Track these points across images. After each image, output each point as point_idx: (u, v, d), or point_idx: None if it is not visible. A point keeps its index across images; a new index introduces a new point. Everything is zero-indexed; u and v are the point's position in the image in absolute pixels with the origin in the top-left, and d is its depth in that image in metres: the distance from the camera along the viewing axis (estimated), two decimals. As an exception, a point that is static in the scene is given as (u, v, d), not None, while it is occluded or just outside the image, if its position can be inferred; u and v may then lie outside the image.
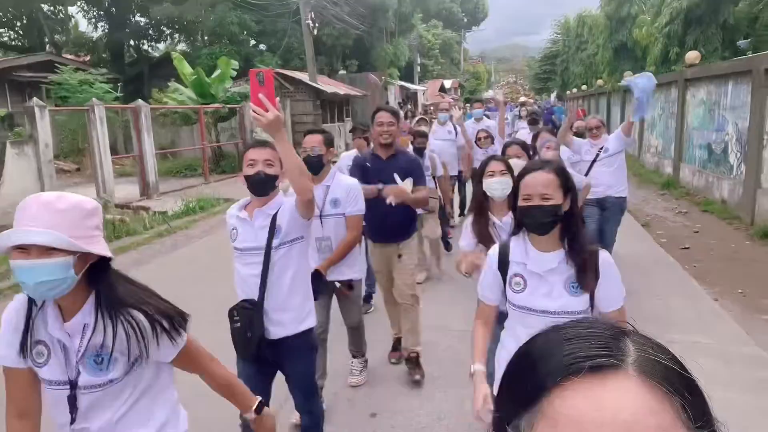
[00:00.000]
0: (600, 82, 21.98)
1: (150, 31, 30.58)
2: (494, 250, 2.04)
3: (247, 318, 2.43)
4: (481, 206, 2.82)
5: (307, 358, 2.63)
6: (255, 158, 2.35)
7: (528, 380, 0.49)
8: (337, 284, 3.40)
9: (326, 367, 3.51)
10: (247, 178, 2.38)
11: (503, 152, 3.66)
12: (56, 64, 18.42)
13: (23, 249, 1.35)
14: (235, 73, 16.83)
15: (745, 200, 7.87)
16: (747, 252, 6.68)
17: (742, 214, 7.89)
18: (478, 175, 2.92)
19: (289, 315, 2.49)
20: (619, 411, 0.44)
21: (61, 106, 16.15)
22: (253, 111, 2.02)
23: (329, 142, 3.28)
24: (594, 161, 5.22)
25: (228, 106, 16.22)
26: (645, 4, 15.91)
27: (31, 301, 1.49)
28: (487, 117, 8.43)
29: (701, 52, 11.67)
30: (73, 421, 1.50)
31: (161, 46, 31.53)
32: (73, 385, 1.47)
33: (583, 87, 28.88)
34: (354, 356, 3.88)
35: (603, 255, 1.87)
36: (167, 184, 13.49)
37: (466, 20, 55.84)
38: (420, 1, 36.61)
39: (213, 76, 16.40)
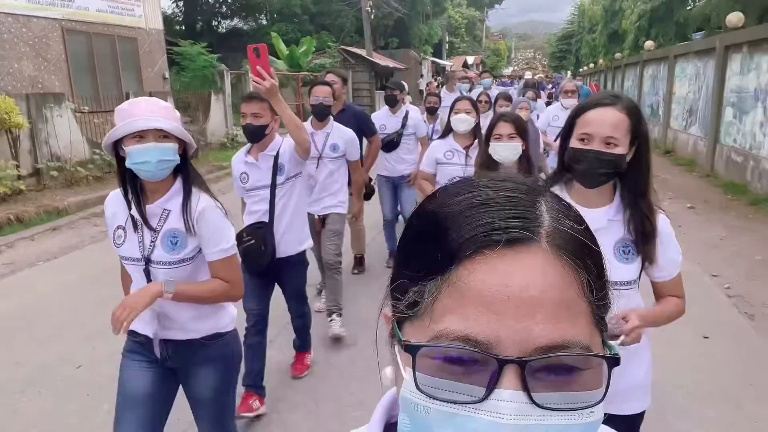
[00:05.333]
0: (601, 61, 26.89)
1: (220, 10, 35.93)
2: None
3: (260, 236, 2.86)
4: (488, 168, 2.72)
5: (302, 273, 3.21)
6: (245, 112, 2.74)
7: (438, 246, 0.46)
8: (317, 216, 3.68)
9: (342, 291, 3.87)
10: (243, 128, 2.77)
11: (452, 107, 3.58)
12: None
13: (139, 137, 1.64)
14: (314, 49, 22.21)
15: (662, 137, 13.15)
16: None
17: (660, 145, 13.17)
18: (486, 136, 2.84)
19: (292, 236, 3.02)
20: (527, 287, 0.42)
21: (182, 72, 21.76)
22: (254, 81, 2.40)
23: (334, 94, 3.73)
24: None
25: (314, 73, 21.59)
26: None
27: (125, 191, 1.78)
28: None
29: (660, 42, 16.76)
30: None
31: (227, 22, 37.06)
32: (147, 260, 1.79)
33: (591, 65, 33.86)
34: (331, 312, 3.79)
35: (660, 216, 1.55)
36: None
37: (489, -1, 59.71)
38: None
39: (300, 51, 21.71)
